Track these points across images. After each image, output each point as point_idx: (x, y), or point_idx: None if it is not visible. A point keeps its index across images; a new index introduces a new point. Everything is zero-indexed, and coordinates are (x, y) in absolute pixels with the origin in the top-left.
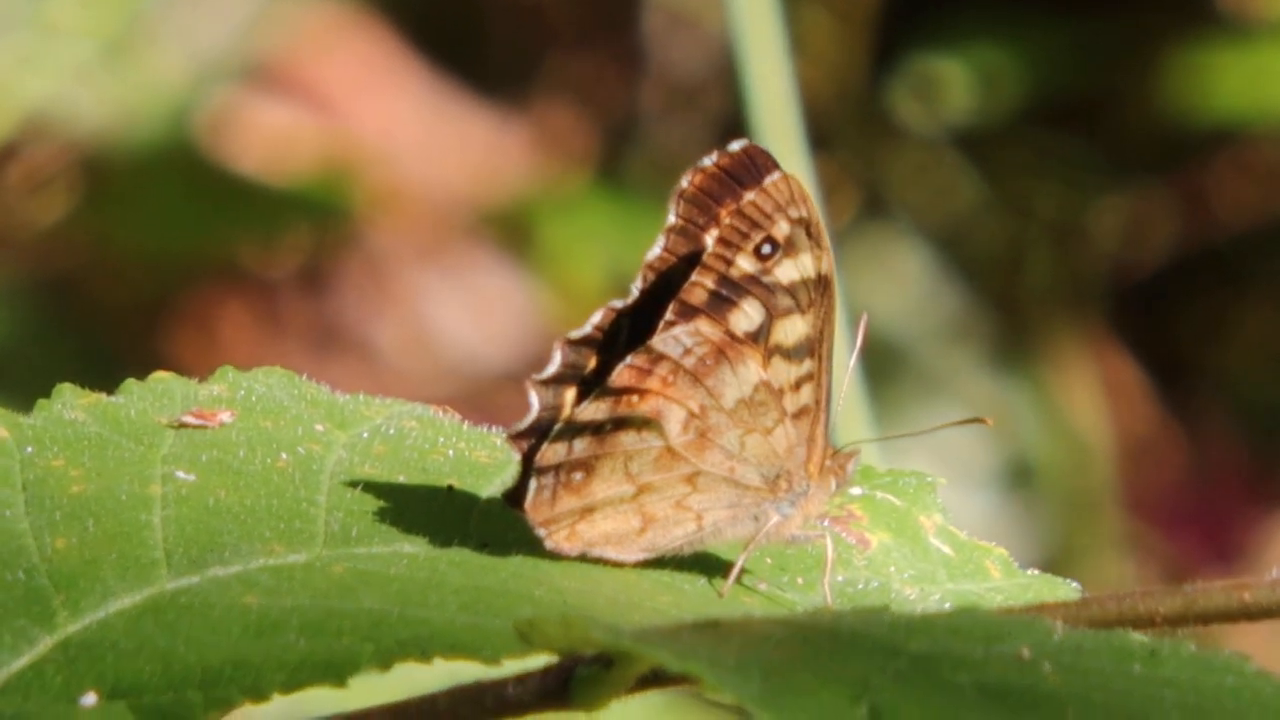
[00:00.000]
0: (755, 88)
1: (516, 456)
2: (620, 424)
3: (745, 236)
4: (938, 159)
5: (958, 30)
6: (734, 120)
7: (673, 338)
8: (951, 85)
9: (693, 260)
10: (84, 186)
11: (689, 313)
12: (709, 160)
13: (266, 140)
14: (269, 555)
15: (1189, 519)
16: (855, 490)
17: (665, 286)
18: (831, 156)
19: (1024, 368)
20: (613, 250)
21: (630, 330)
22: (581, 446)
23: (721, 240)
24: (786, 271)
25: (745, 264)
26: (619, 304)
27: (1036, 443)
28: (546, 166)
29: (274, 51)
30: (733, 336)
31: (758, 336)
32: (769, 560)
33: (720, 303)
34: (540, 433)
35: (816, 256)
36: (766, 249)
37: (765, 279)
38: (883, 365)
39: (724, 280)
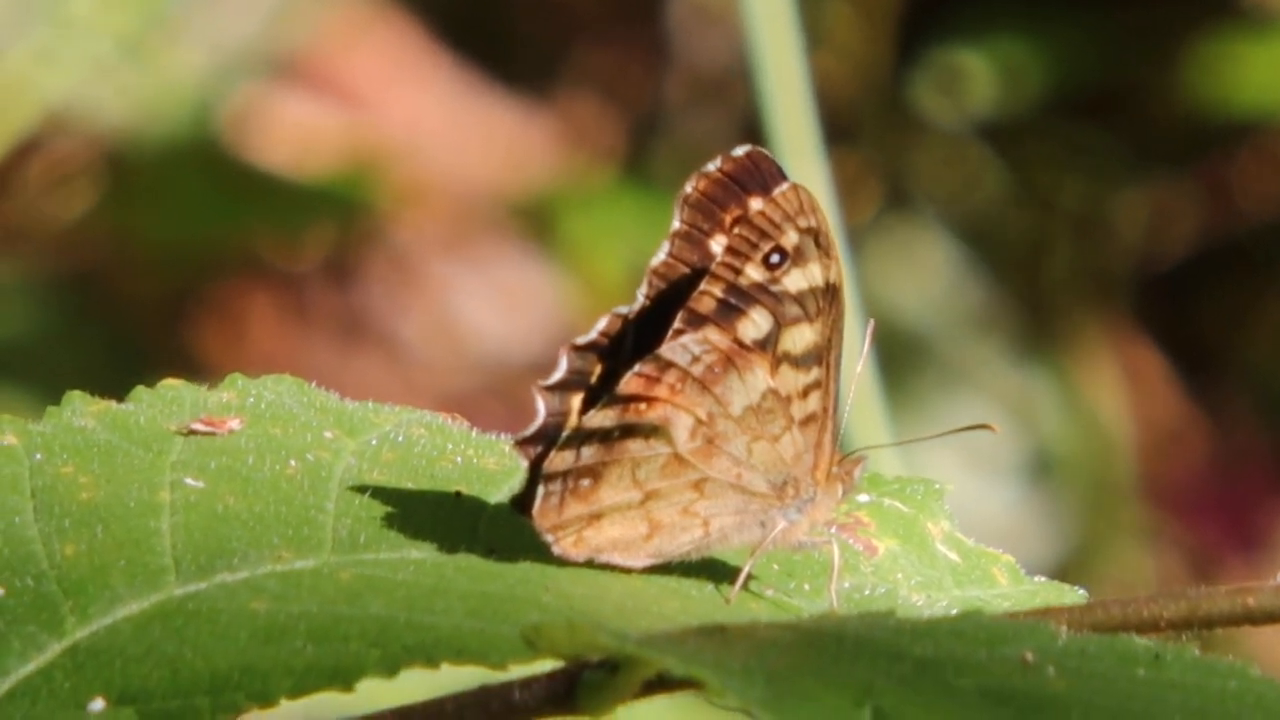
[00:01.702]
0: (771, 82)
1: (524, 463)
2: (628, 431)
3: (754, 246)
4: (961, 152)
5: (981, 23)
6: (760, 114)
7: (681, 346)
8: (975, 78)
9: (699, 267)
10: (106, 182)
11: (697, 321)
12: (713, 166)
13: (291, 134)
14: (277, 561)
15: (1213, 510)
16: (863, 497)
17: (671, 293)
18: (855, 150)
19: (1048, 359)
20: (637, 244)
21: (636, 337)
22: (589, 453)
23: (730, 249)
24: (795, 281)
25: (754, 273)
26: (625, 310)
27: (1060, 434)
28: (571, 160)
29: (298, 45)
30: (741, 345)
31: (765, 345)
32: (776, 566)
33: (728, 311)
34: (547, 439)
35: (825, 265)
36: (775, 258)
37: (773, 288)
38: (906, 358)
39: (732, 289)
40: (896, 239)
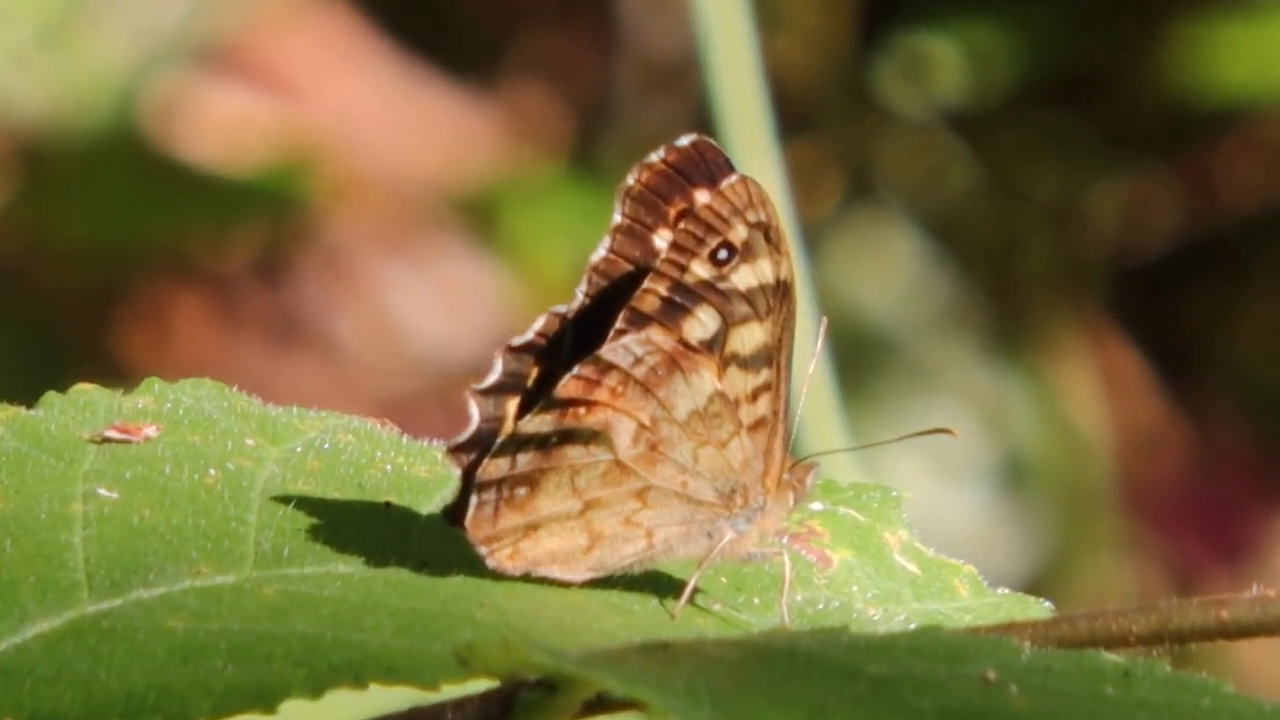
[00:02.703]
0: (722, 67)
1: (456, 471)
2: (567, 437)
3: (700, 241)
4: (928, 141)
5: (948, 4)
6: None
7: (623, 347)
8: (942, 63)
9: (642, 264)
10: (24, 176)
11: (640, 320)
12: (655, 156)
13: (220, 126)
14: (196, 577)
15: (1195, 517)
16: (816, 505)
17: (613, 291)
18: (814, 139)
19: (1020, 359)
20: (585, 240)
21: (575, 337)
22: (525, 460)
23: (675, 245)
24: (744, 277)
25: (700, 270)
26: (562, 309)
27: (1033, 438)
28: (517, 152)
29: (226, 32)
30: (686, 345)
31: (713, 345)
32: (724, 579)
33: (673, 310)
34: (481, 446)
35: (776, 262)
36: (723, 254)
37: (721, 285)
38: (868, 358)
39: (678, 287)
40: (859, 232)
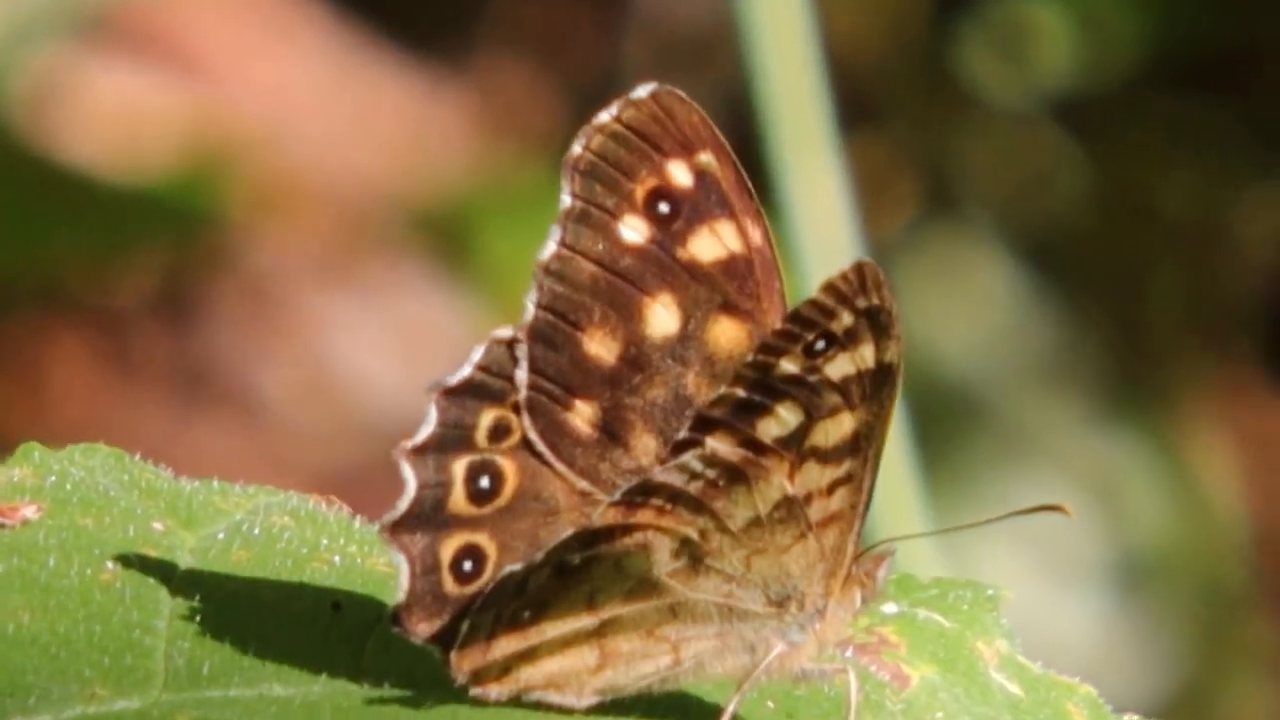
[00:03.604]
0: (766, 43)
1: (400, 559)
2: (593, 560)
3: (795, 339)
4: (1028, 138)
5: None
6: (750, 87)
7: (678, 467)
8: (1047, 37)
9: (606, 262)
10: None
11: (707, 426)
12: (607, 115)
13: (109, 118)
14: (90, 701)
15: None
16: (890, 607)
17: (571, 296)
18: (884, 134)
19: (1144, 422)
20: None
21: (533, 356)
22: (537, 583)
23: (765, 347)
24: (839, 367)
25: (790, 365)
26: (505, 333)
27: (1161, 523)
28: (493, 150)
29: None
30: (757, 446)
31: (790, 443)
32: (771, 704)
33: (749, 409)
34: (424, 520)
35: (882, 346)
36: (820, 345)
37: (810, 378)
38: (951, 418)
39: (759, 385)
40: (937, 255)
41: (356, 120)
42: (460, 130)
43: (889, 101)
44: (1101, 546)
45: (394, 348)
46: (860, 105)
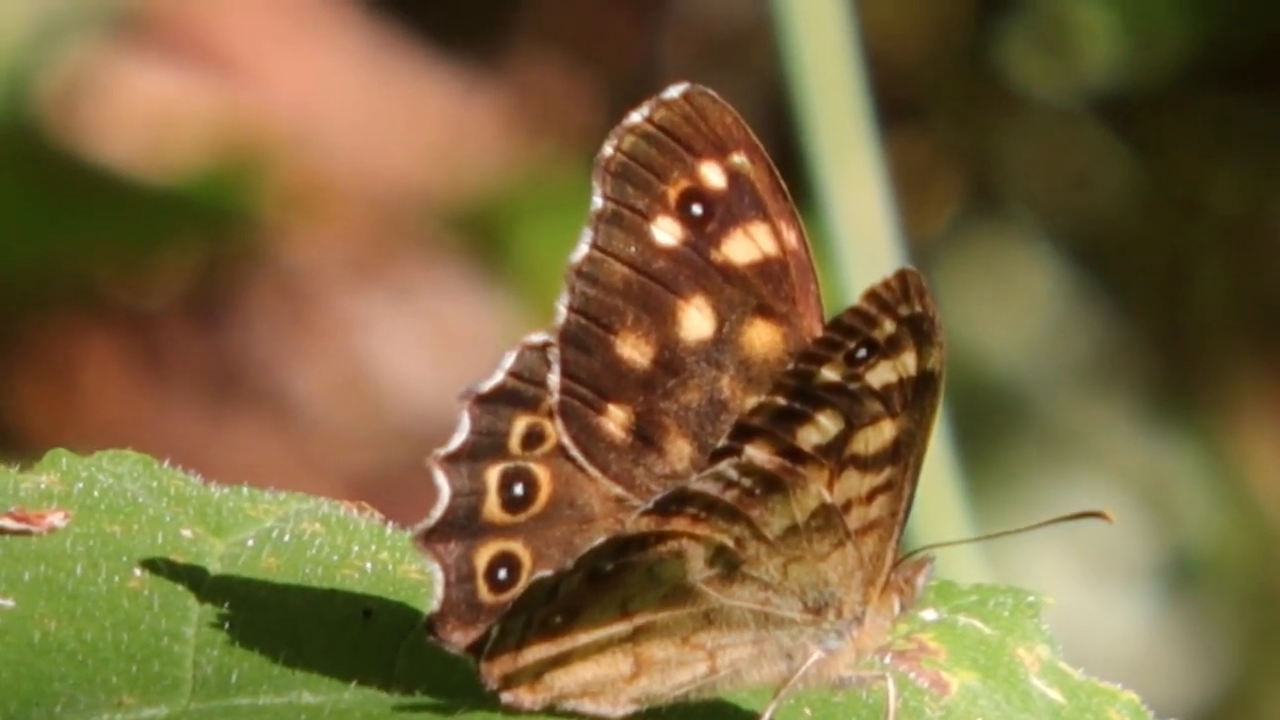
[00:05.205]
0: (804, 39)
1: (434, 567)
2: (626, 567)
3: (837, 347)
4: (1072, 135)
5: None
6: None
7: (714, 476)
8: (1092, 33)
9: (638, 264)
10: None
11: (747, 433)
12: (638, 116)
13: (140, 117)
14: (117, 709)
15: None
16: (929, 613)
17: (605, 300)
18: (925, 131)
19: (1191, 423)
20: None
21: (564, 363)
22: (568, 589)
23: (806, 355)
24: (881, 374)
25: (831, 374)
26: (538, 339)
27: (1208, 526)
28: (530, 149)
29: None
30: (796, 454)
31: (830, 451)
32: (808, 710)
33: (789, 417)
34: (459, 527)
35: (924, 354)
36: (862, 353)
37: (852, 386)
38: (997, 421)
39: (799, 393)
40: (980, 254)
41: (391, 119)
42: (496, 129)
43: (930, 99)
44: (1148, 549)
45: (428, 348)
46: (901, 102)
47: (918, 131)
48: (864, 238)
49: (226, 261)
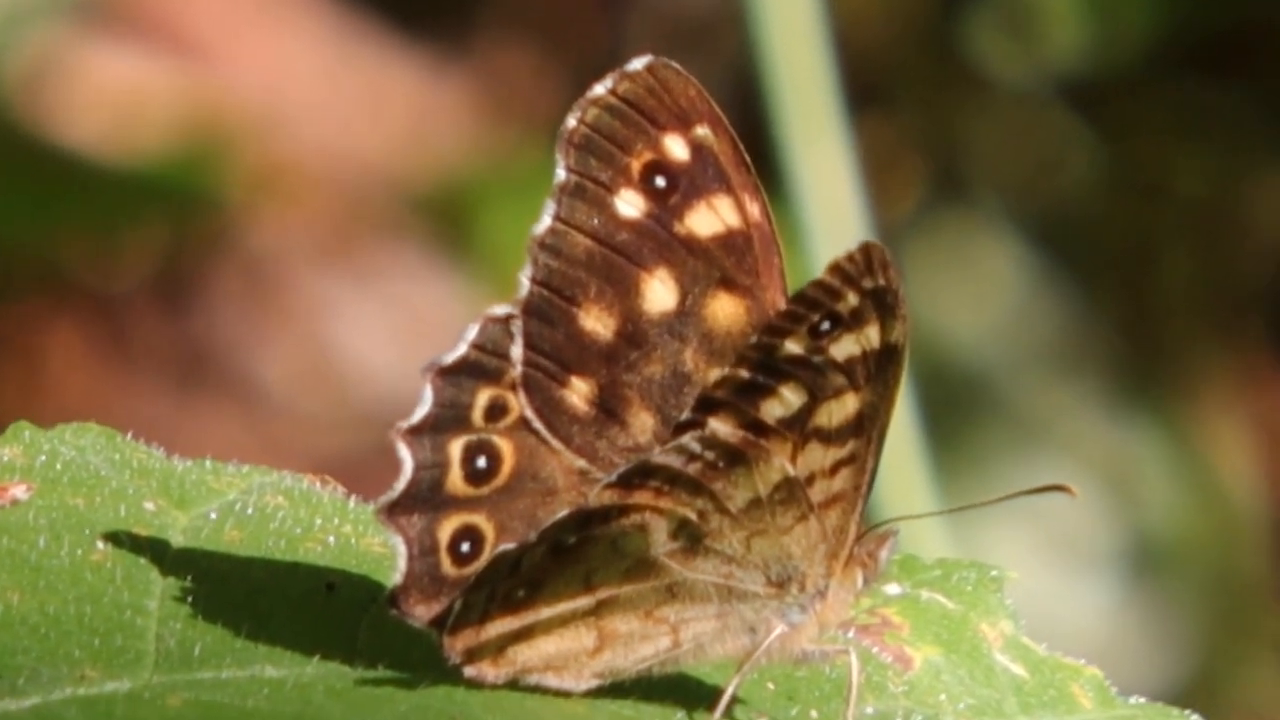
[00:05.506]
0: (772, 23)
1: (397, 540)
2: (589, 540)
3: (800, 320)
4: (1037, 119)
5: None
6: (756, 68)
7: (676, 449)
8: (1056, 18)
9: (601, 236)
10: None
11: (710, 406)
12: (602, 88)
13: (107, 99)
14: (80, 683)
15: None
16: (893, 588)
17: (568, 272)
18: (891, 115)
19: (1155, 406)
20: None
21: (527, 335)
22: (530, 563)
23: (770, 328)
24: (844, 348)
25: (794, 346)
26: (500, 311)
27: (1171, 508)
28: (494, 133)
29: None
30: (759, 427)
31: (793, 424)
32: (771, 685)
33: (753, 390)
34: (422, 500)
35: (887, 326)
36: (825, 326)
37: (815, 359)
38: (962, 401)
39: (762, 366)
40: (946, 238)
41: (356, 103)
42: (461, 114)
43: (897, 83)
44: (1113, 532)
45: (394, 332)
46: (868, 86)
47: (884, 115)
48: (832, 221)
49: (192, 244)
